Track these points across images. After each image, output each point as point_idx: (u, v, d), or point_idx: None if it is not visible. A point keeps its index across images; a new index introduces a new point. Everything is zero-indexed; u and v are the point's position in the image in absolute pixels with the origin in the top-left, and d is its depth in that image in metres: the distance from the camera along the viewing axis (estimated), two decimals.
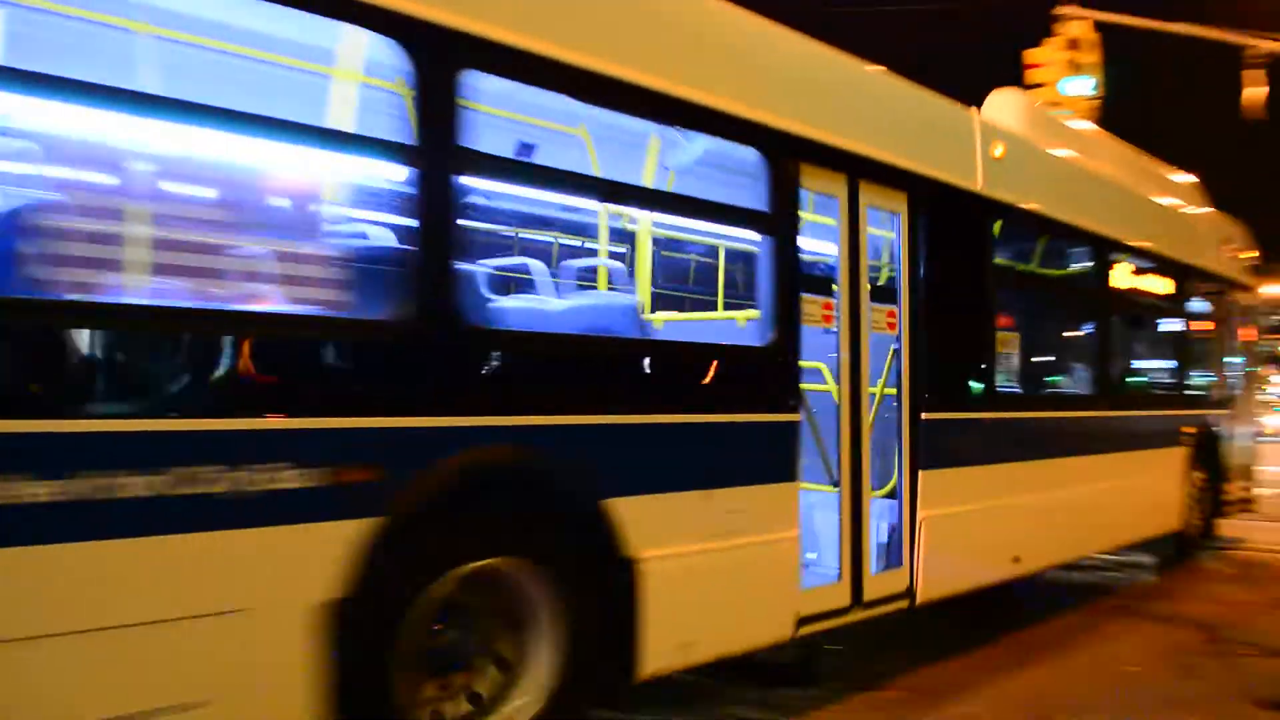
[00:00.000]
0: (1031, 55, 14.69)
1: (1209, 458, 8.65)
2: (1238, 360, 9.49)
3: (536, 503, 3.58)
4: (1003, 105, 6.93)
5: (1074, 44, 14.64)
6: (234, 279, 2.96)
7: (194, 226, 2.93)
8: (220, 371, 2.84)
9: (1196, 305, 8.75)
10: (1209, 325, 9.01)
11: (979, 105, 5.65)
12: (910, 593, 5.28)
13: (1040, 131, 6.95)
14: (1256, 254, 9.73)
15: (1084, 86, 14.58)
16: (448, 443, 3.27)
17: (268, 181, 3.16)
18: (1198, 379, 8.81)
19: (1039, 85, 14.40)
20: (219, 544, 2.78)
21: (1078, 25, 14.77)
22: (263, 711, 2.90)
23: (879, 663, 5.31)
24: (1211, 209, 9.28)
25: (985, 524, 5.78)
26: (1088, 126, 7.82)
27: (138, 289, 2.80)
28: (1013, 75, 14.70)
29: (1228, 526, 9.30)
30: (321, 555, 2.98)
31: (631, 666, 3.83)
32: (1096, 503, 6.91)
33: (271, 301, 3.03)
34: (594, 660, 3.74)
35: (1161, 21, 15.07)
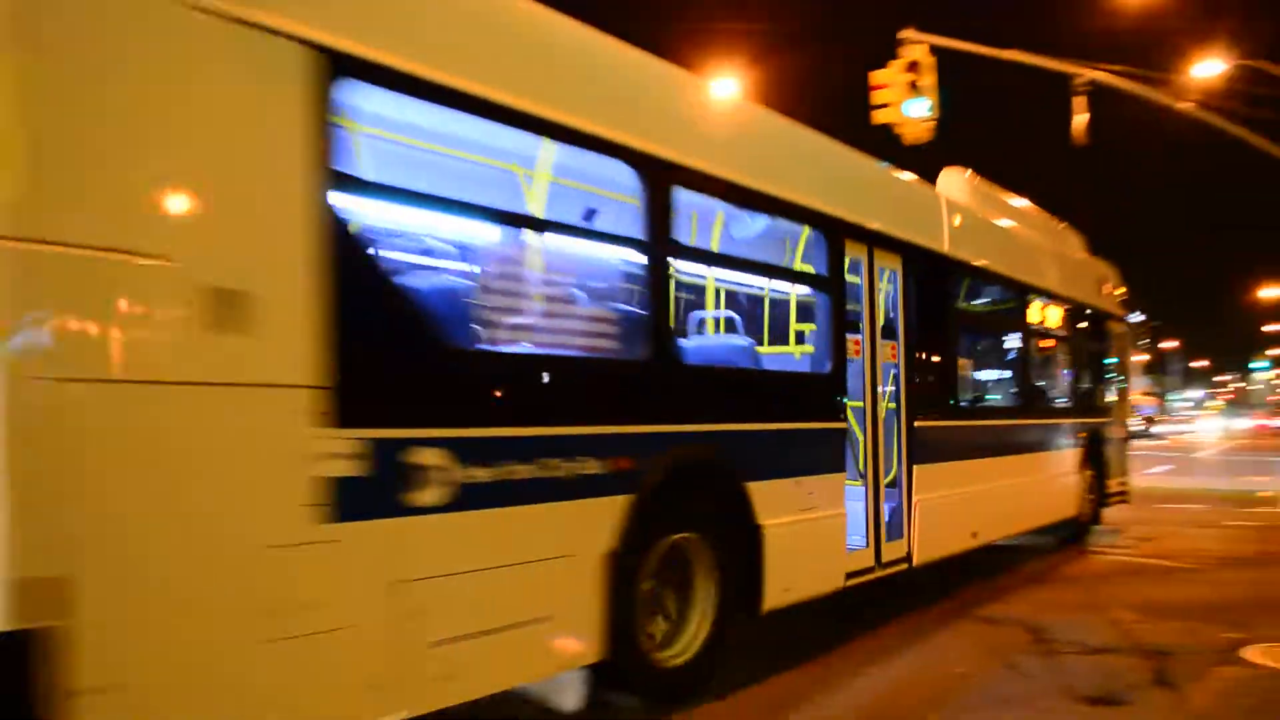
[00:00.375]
0: (876, 76, 14.90)
1: (1096, 457, 10.81)
2: (1114, 377, 11.74)
3: (712, 482, 5.09)
4: (950, 180, 8.82)
5: (914, 67, 14.70)
6: (561, 335, 4.40)
7: (551, 303, 4.35)
8: (555, 395, 4.26)
9: (1085, 333, 10.92)
10: (1093, 349, 11.20)
11: (828, 133, 6.52)
12: (909, 558, 6.98)
13: (977, 200, 8.88)
14: (1124, 290, 12.05)
15: (922, 108, 14.65)
16: (665, 442, 4.75)
17: (585, 268, 4.60)
18: (1086, 393, 10.97)
19: (884, 106, 14.67)
20: (558, 510, 4.18)
21: (917, 49, 14.89)
22: (576, 624, 4.30)
23: (722, 674, 5.22)
24: (1092, 256, 11.52)
25: (956, 506, 7.56)
26: (1007, 194, 9.81)
27: (514, 342, 4.20)
28: (862, 94, 15.13)
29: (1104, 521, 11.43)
30: (607, 519, 4.41)
31: (758, 605, 5.36)
32: (1026, 491, 8.87)
33: (577, 350, 4.48)
34: (737, 600, 5.25)
35: (994, 49, 15.60)
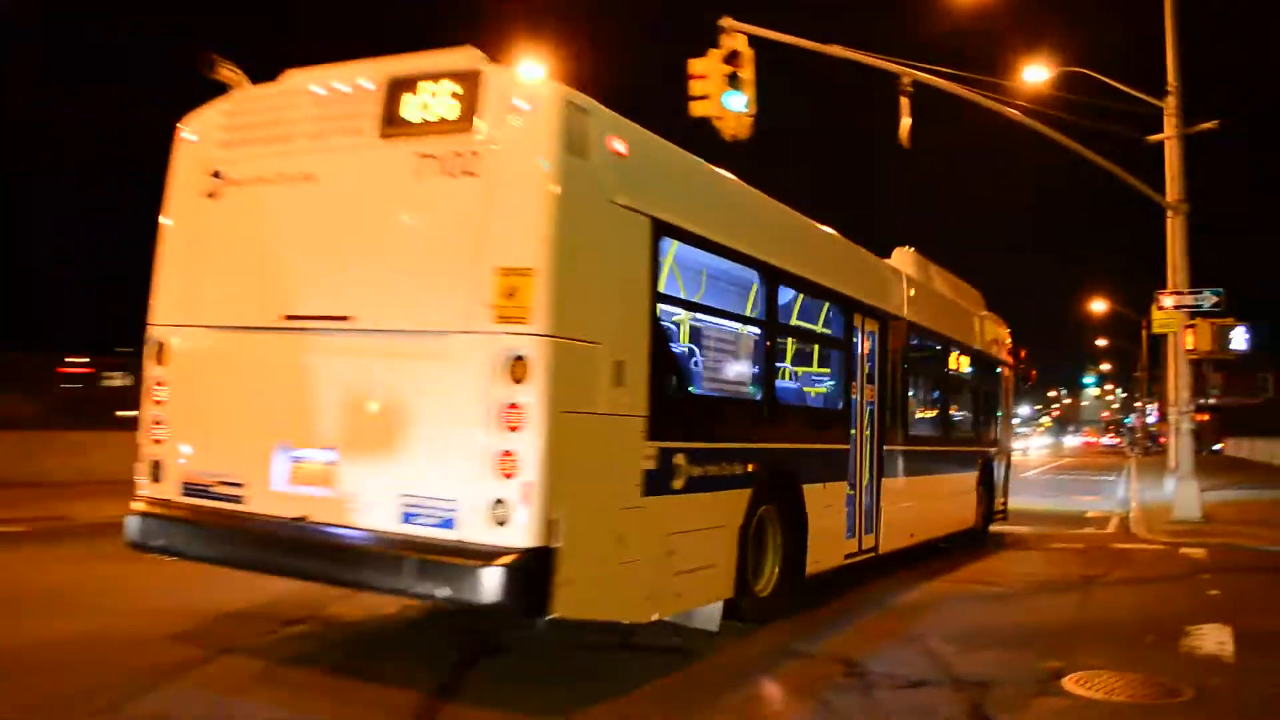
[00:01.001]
0: (694, 65, 13.51)
1: (989, 480, 14.00)
2: (1002, 412, 14.95)
3: (783, 481, 7.67)
4: (900, 256, 11.64)
5: (733, 58, 13.55)
6: (732, 383, 6.95)
7: (728, 361, 6.90)
8: (731, 422, 6.79)
9: (985, 376, 14.04)
10: (990, 389, 14.34)
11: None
12: (876, 548, 9.74)
13: (919, 272, 11.75)
14: (1009, 334, 15.27)
15: (740, 102, 13.62)
16: (770, 454, 7.34)
17: (744, 337, 7.15)
18: (985, 425, 14.07)
19: (703, 97, 13.33)
20: (725, 496, 6.70)
21: (737, 39, 13.75)
22: (725, 570, 6.79)
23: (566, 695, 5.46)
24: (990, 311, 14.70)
25: (905, 511, 10.38)
26: (938, 267, 12.66)
27: (713, 389, 6.72)
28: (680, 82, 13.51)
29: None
30: (742, 502, 6.95)
31: (803, 571, 7.99)
32: (947, 504, 11.86)
33: (740, 394, 7.04)
34: (790, 566, 7.85)
35: (817, 43, 14.78)
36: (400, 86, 5.46)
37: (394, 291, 5.32)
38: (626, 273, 5.63)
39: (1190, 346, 16.89)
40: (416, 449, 5.16)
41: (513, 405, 4.90)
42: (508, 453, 4.90)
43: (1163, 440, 37.80)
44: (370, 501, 5.27)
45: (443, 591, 4.87)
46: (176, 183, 6.31)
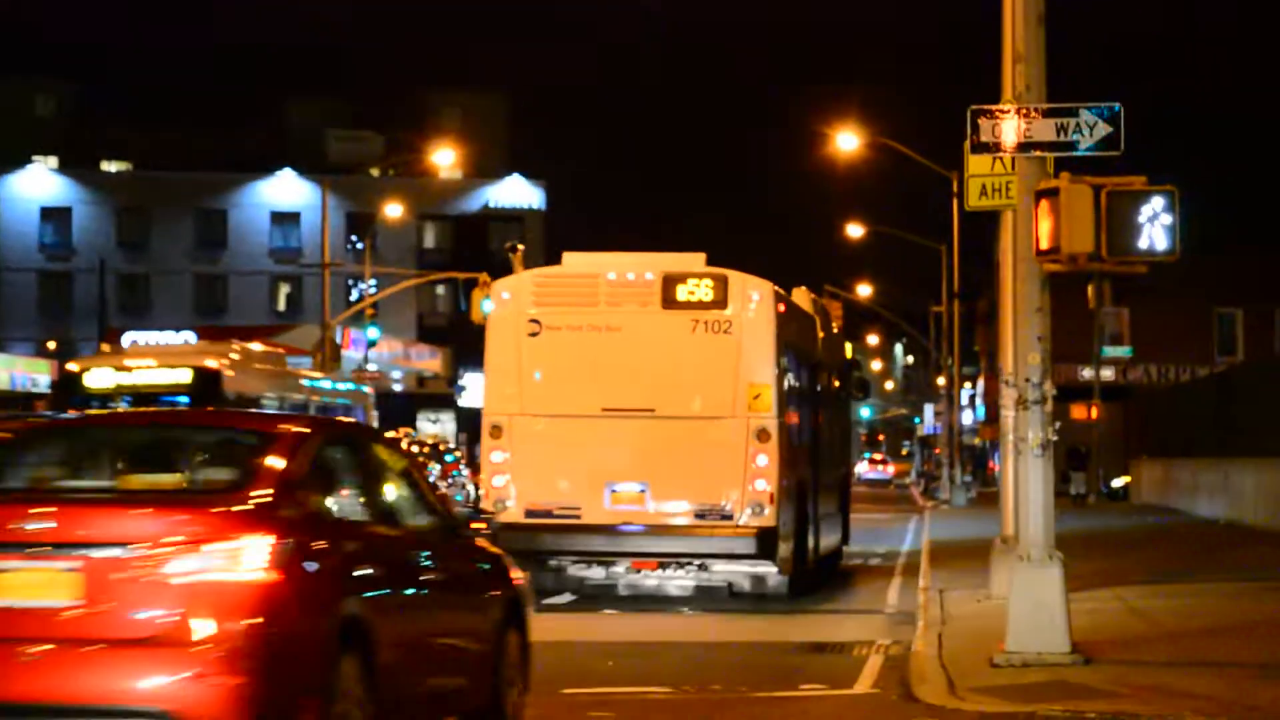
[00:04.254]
0: None
1: (845, 497, 19.62)
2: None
3: (804, 494, 13.59)
4: (800, 296, 17.29)
5: None
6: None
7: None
8: (801, 459, 12.73)
9: (839, 384, 18.78)
10: (840, 397, 18.92)
11: None
12: (828, 551, 15.70)
13: (816, 309, 17.40)
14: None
15: None
16: (804, 478, 13.26)
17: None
18: (840, 439, 19.13)
19: None
20: (798, 503, 12.60)
21: None
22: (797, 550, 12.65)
23: None
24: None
25: (825, 526, 16.30)
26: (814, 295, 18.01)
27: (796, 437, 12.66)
28: None
29: None
30: (803, 507, 12.83)
31: (806, 562, 13.89)
32: (831, 524, 17.65)
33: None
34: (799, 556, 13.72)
35: None
36: (672, 279, 11.25)
37: (681, 394, 11.08)
38: (782, 375, 11.46)
39: (1047, 244, 8.02)
40: (702, 477, 10.91)
41: (761, 452, 10.70)
42: (759, 477, 10.68)
43: (993, 467, 23.54)
44: (672, 508, 10.89)
45: (725, 549, 10.56)
46: (501, 325, 11.75)
